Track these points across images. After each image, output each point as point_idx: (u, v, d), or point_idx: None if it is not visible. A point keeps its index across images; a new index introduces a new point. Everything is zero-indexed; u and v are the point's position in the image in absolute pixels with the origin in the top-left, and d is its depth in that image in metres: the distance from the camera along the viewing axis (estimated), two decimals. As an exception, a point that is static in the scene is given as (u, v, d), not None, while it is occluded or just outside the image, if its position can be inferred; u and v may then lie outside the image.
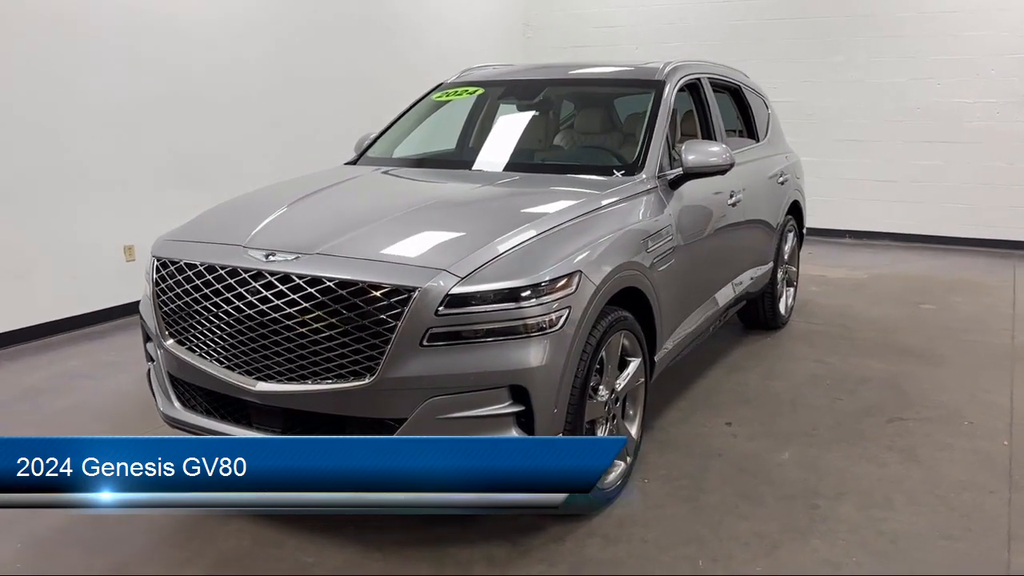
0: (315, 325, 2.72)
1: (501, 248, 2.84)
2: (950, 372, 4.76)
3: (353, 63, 7.52)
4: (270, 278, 2.80)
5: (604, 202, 3.33)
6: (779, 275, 5.50)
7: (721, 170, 3.83)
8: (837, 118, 8.97)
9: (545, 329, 2.73)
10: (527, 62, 5.84)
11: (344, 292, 2.70)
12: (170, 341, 3.08)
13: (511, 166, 3.94)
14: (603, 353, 3.09)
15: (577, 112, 4.44)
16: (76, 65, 5.28)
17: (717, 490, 3.36)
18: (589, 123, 4.32)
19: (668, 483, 3.42)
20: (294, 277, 2.77)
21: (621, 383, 3.26)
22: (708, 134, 4.54)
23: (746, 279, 4.83)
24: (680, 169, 3.79)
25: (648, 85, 4.16)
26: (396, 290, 2.66)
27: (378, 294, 2.67)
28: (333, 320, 2.70)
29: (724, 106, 5.24)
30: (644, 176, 3.67)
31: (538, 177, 3.76)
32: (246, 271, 2.85)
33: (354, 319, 2.68)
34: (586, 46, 10.06)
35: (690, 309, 4.00)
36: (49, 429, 4.00)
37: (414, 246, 2.89)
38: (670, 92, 4.11)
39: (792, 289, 5.86)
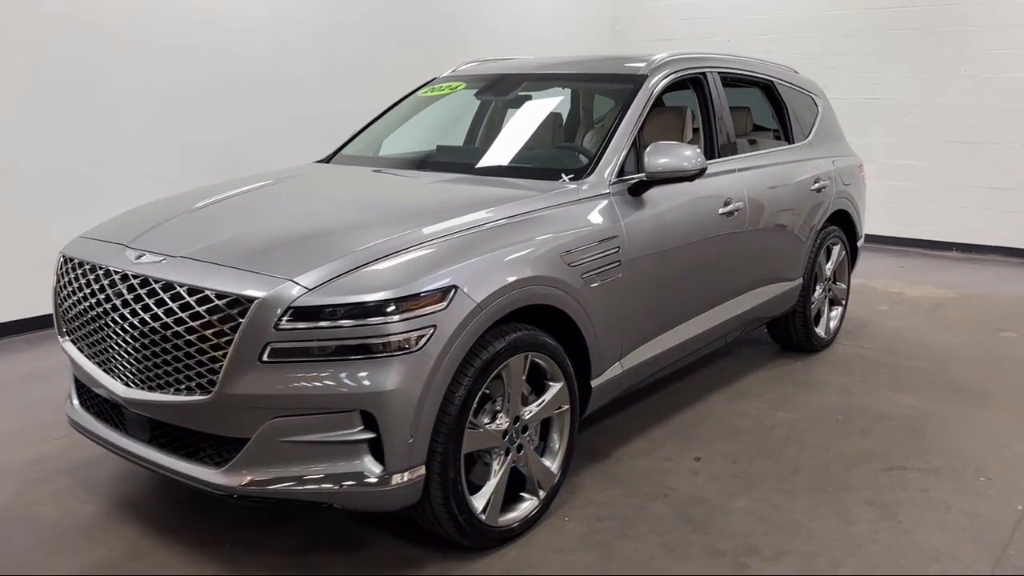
0: (164, 333, 2.58)
1: (369, 256, 2.59)
2: (993, 415, 4.09)
3: (432, 61, 7.33)
4: (132, 280, 2.69)
5: (523, 210, 3.02)
6: (816, 293, 4.94)
7: (688, 176, 3.42)
8: (944, 118, 8.06)
9: (405, 349, 2.47)
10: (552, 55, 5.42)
11: (192, 299, 2.54)
12: (66, 341, 3.04)
13: (456, 167, 3.68)
14: (503, 377, 2.80)
15: (544, 110, 4.10)
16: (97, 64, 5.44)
17: (642, 537, 2.99)
18: (555, 122, 3.98)
19: (591, 524, 3.07)
20: (151, 281, 2.64)
21: (533, 410, 2.94)
22: (710, 135, 4.10)
23: (759, 297, 4.34)
24: (643, 174, 3.41)
25: (627, 80, 3.78)
26: (237, 300, 2.47)
27: (221, 303, 2.49)
28: (179, 329, 2.55)
29: (756, 104, 4.77)
30: (592, 181, 3.32)
31: (475, 180, 3.47)
32: (116, 272, 2.76)
33: (197, 329, 2.51)
34: (675, 39, 9.56)
35: (659, 329, 3.61)
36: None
37: (275, 252, 2.69)
38: (649, 89, 3.72)
39: (839, 309, 5.25)
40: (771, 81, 4.74)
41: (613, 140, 3.47)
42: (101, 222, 3.31)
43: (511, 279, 2.73)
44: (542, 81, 4.19)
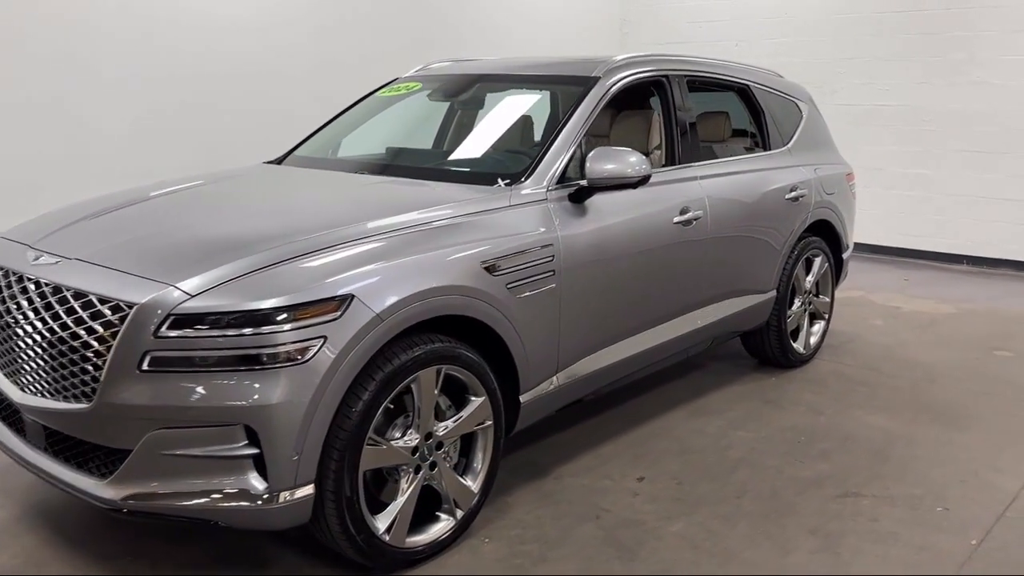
0: (51, 337, 2.49)
1: (265, 261, 2.48)
2: (967, 440, 3.87)
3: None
4: (26, 283, 2.61)
5: (444, 215, 2.88)
6: (794, 307, 4.74)
7: (631, 183, 3.26)
8: (956, 125, 7.77)
9: (292, 361, 2.35)
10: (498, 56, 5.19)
11: (77, 304, 2.45)
12: (-23, 342, 2.97)
13: (397, 170, 3.55)
14: (413, 390, 2.67)
15: (493, 112, 3.97)
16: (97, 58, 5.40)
17: (561, 561, 2.84)
18: (500, 124, 3.84)
19: (512, 546, 2.93)
20: (42, 283, 2.56)
21: (449, 426, 2.81)
22: (671, 140, 3.94)
23: (724, 310, 4.16)
24: (584, 181, 3.26)
25: (578, 83, 3.64)
26: (118, 305, 2.37)
27: (104, 308, 2.40)
28: (64, 334, 2.46)
29: (737, 109, 4.60)
30: (528, 187, 3.17)
31: (407, 183, 3.35)
32: (14, 273, 2.68)
33: (81, 335, 2.42)
34: (684, 42, 9.35)
35: (603, 341, 3.45)
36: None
37: (169, 256, 2.59)
38: (599, 92, 3.57)
39: (821, 324, 5.04)
40: (747, 85, 4.56)
41: (555, 144, 3.33)
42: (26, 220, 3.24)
43: (418, 289, 2.60)
44: (495, 83, 4.05)
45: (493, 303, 2.85)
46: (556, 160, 3.29)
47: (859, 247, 8.36)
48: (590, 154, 3.26)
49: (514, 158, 3.48)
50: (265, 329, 2.33)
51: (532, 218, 3.09)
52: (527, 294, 2.99)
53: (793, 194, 4.52)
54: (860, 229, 8.44)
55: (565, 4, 9.10)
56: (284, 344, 2.34)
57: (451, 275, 2.72)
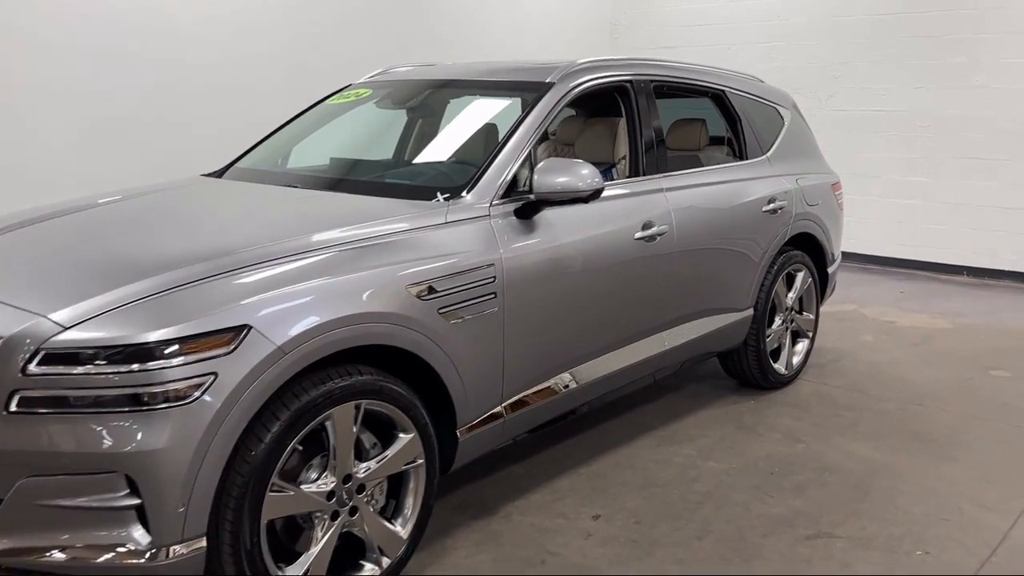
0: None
1: (153, 287, 2.23)
2: (955, 472, 3.59)
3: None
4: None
5: (367, 234, 2.63)
6: (774, 325, 4.47)
7: (582, 197, 3.01)
8: (956, 131, 7.48)
9: (177, 400, 2.10)
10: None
11: (-56, 337, 2.21)
12: None
13: (330, 183, 3.30)
14: (327, 429, 2.42)
15: (442, 120, 3.72)
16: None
17: (496, 616, 2.58)
18: (448, 134, 3.59)
19: (443, 597, 2.67)
20: (-84, 313, 2.32)
21: (371, 466, 2.55)
22: (635, 150, 3.69)
23: (695, 331, 3.89)
24: (532, 195, 3.01)
25: (531, 89, 3.39)
26: (-16, 340, 2.13)
27: (-29, 343, 2.16)
28: (-70, 370, 2.21)
29: (711, 116, 4.34)
30: (468, 202, 2.92)
31: (337, 198, 3.10)
32: None
33: (-55, 372, 2.18)
34: (675, 46, 9.09)
35: (557, 367, 3.19)
36: None
37: (50, 282, 2.35)
38: (553, 99, 3.32)
39: (805, 342, 4.76)
40: (721, 91, 4.29)
41: (501, 155, 3.08)
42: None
43: (329, 317, 2.35)
44: (446, 89, 3.80)
45: (422, 330, 2.59)
46: (502, 172, 3.04)
47: (855, 257, 8.10)
48: (538, 166, 3.01)
49: (458, 170, 3.23)
50: (149, 365, 2.09)
51: (470, 236, 2.83)
52: (463, 319, 2.73)
53: (771, 206, 4.25)
54: (856, 239, 8.21)
55: (556, 9, 8.88)
56: (169, 382, 2.09)
57: (370, 301, 2.46)
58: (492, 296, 2.84)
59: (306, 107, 4.06)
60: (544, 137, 4.76)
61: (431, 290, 2.62)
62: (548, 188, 2.97)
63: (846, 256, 8.23)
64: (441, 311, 2.66)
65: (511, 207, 3.01)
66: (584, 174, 3.01)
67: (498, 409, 2.97)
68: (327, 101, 4.04)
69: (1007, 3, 7.06)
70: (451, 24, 7.69)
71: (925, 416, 4.21)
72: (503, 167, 3.05)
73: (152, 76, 5.62)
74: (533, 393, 3.10)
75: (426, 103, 3.80)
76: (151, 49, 5.59)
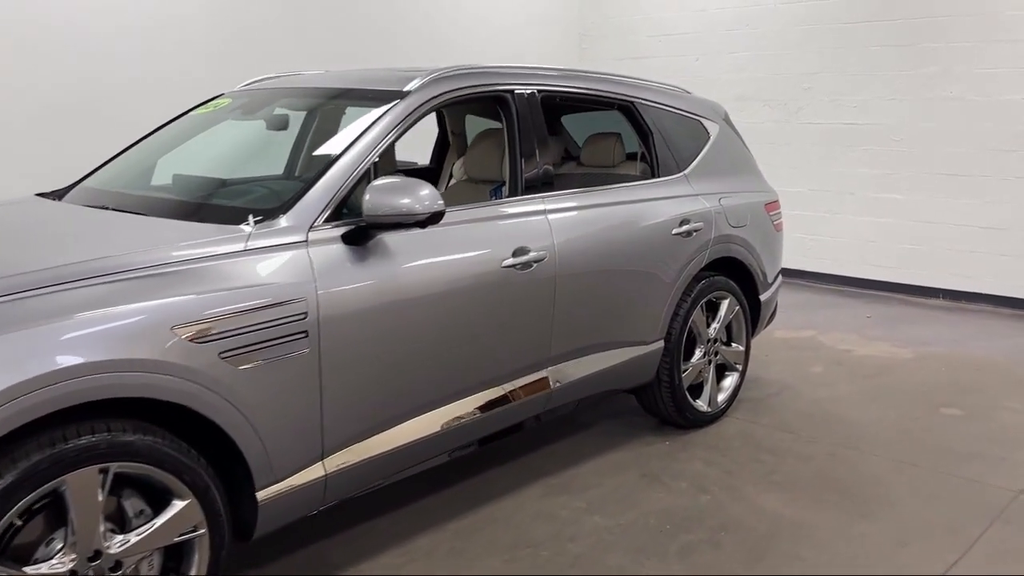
0: None
1: None
2: (871, 531, 3.17)
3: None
4: None
5: (141, 262, 2.27)
6: (694, 358, 4.07)
7: (417, 221, 2.64)
8: (931, 146, 7.04)
9: None
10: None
11: None
12: None
13: (144, 204, 2.93)
14: (67, 499, 2.05)
15: (288, 133, 3.36)
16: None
17: None
18: (289, 148, 3.23)
19: None
20: None
21: (130, 540, 2.18)
22: (514, 167, 3.31)
23: (587, 367, 3.51)
24: (362, 218, 2.64)
25: (383, 99, 3.02)
26: None
27: None
28: None
29: (618, 128, 3.98)
30: (280, 226, 2.56)
31: (139, 222, 2.72)
32: None
33: None
34: (644, 57, 8.74)
35: (397, 416, 2.81)
36: None
37: None
38: (405, 111, 2.96)
39: (734, 377, 4.35)
40: (630, 103, 3.91)
41: (328, 173, 2.71)
42: None
43: (50, 368, 1.97)
44: (299, 99, 3.45)
45: (194, 378, 2.22)
46: (329, 192, 2.67)
47: (826, 279, 7.68)
48: (370, 185, 2.64)
49: (289, 189, 2.84)
50: None
51: (274, 266, 2.46)
52: (256, 364, 2.36)
53: (684, 228, 3.86)
54: (828, 259, 7.78)
55: (523, 21, 8.56)
56: None
57: (115, 346, 2.09)
58: (301, 336, 2.46)
59: (168, 120, 3.71)
60: (463, 152, 4.42)
61: (207, 331, 2.25)
62: (380, 211, 2.61)
63: (816, 278, 7.84)
64: (224, 355, 2.28)
65: (338, 232, 2.64)
66: (423, 195, 2.64)
67: (316, 467, 2.59)
68: (192, 112, 3.69)
69: (981, 9, 6.63)
70: (415, 37, 7.40)
71: (853, 462, 3.79)
72: (331, 186, 2.69)
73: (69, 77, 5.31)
74: (367, 446, 2.72)
75: (278, 115, 3.45)
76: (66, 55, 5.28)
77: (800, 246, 7.82)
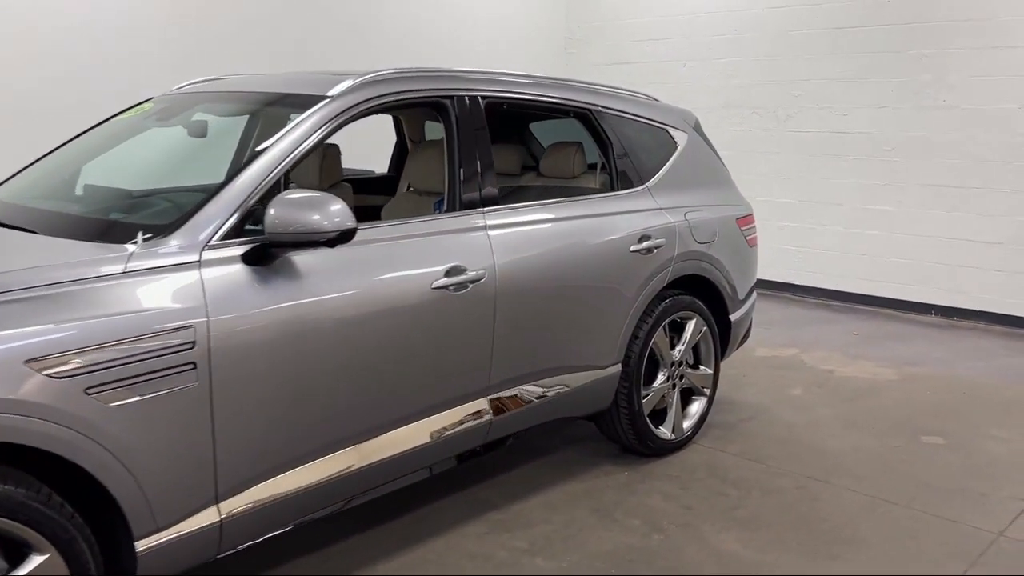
0: None
1: None
2: (833, 579, 2.91)
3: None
4: None
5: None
6: (656, 382, 3.81)
7: (324, 240, 2.39)
8: (923, 156, 6.78)
9: None
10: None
11: None
12: None
13: (39, 219, 2.68)
14: None
15: (206, 141, 3.12)
16: None
17: None
18: (203, 158, 2.99)
19: None
20: None
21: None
22: (452, 179, 3.07)
23: (531, 394, 3.25)
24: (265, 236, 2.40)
25: (305, 104, 2.78)
26: None
27: None
28: None
29: (580, 138, 3.74)
30: (169, 245, 2.31)
31: (19, 239, 2.49)
32: None
33: None
34: (630, 62, 8.50)
35: (307, 453, 2.56)
36: None
37: None
38: (326, 117, 2.72)
39: (701, 402, 4.09)
40: (587, 110, 3.66)
41: (229, 187, 2.47)
42: None
43: None
44: (222, 104, 3.21)
45: (51, 417, 1.97)
46: (230, 207, 2.43)
47: (815, 292, 7.43)
48: (274, 199, 2.40)
49: (190, 202, 2.59)
50: None
51: (158, 290, 2.22)
52: (134, 400, 2.11)
53: (644, 244, 3.60)
54: (817, 273, 7.50)
55: (510, 24, 8.35)
56: None
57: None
58: (188, 368, 2.22)
59: (94, 124, 3.48)
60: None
61: (69, 365, 2.00)
62: (283, 228, 2.36)
63: (805, 291, 7.56)
64: (92, 391, 2.04)
65: (238, 251, 2.40)
66: (332, 210, 2.40)
67: (209, 512, 2.34)
68: (118, 117, 3.46)
69: (974, 15, 6.37)
70: (401, 42, 7.20)
71: (823, 498, 3.53)
72: (232, 200, 2.45)
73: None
74: (270, 487, 2.47)
75: (199, 120, 3.21)
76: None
77: (788, 259, 7.57)
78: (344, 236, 2.42)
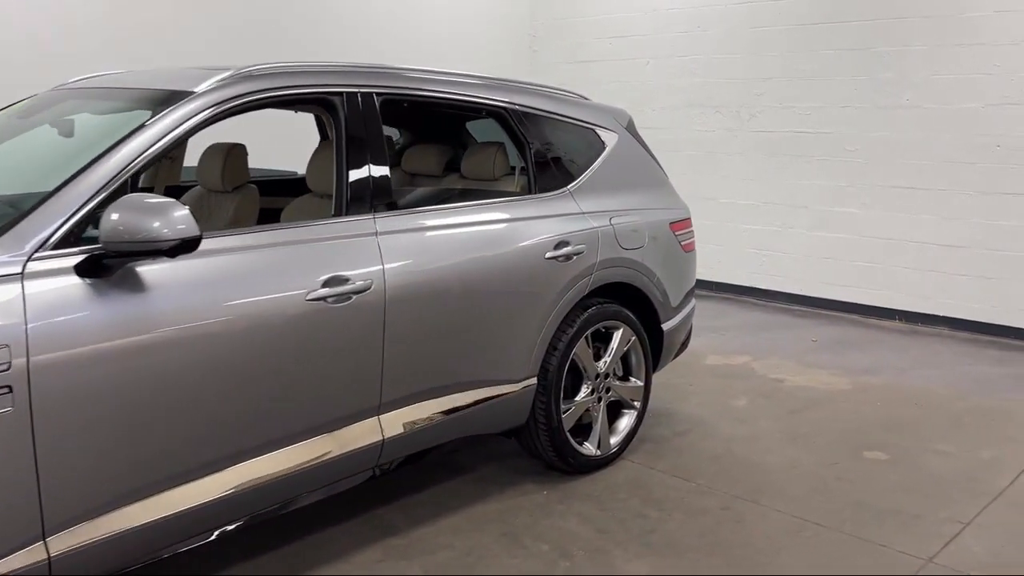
0: None
1: None
2: (742, 613, 2.71)
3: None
4: None
5: None
6: (579, 396, 3.61)
7: (163, 249, 2.18)
8: (884, 157, 6.58)
9: None
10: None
11: None
12: None
13: None
14: None
15: (70, 140, 2.90)
16: None
17: None
18: (55, 159, 2.76)
19: None
20: None
21: None
22: (339, 183, 2.85)
23: (427, 412, 3.04)
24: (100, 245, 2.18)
25: (166, 101, 2.57)
26: None
27: None
28: None
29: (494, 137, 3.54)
30: (-8, 257, 2.10)
31: None
32: None
33: None
34: (593, 60, 8.30)
35: (158, 482, 2.35)
36: None
37: None
38: (185, 115, 2.52)
39: (630, 416, 3.88)
40: (501, 109, 3.45)
41: (65, 189, 2.26)
42: None
43: None
44: (84, 101, 3.00)
45: None
46: (63, 213, 2.22)
47: (778, 296, 7.23)
48: (111, 205, 2.18)
49: (23, 205, 2.37)
50: None
51: (-13, 304, 2.00)
52: (-69, 428, 1.90)
53: (561, 251, 3.40)
54: (781, 277, 7.29)
55: (473, 21, 8.14)
56: None
57: None
58: (5, 392, 2.00)
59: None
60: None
61: None
62: (118, 236, 2.15)
63: (768, 296, 7.36)
64: None
65: (70, 262, 2.18)
66: (173, 217, 2.18)
67: (34, 550, 2.12)
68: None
69: (936, 11, 6.18)
70: (359, 39, 7.00)
71: (748, 520, 3.32)
72: (67, 205, 2.23)
73: None
74: (112, 521, 2.26)
75: (65, 119, 2.99)
76: None
77: (752, 262, 7.37)
78: (185, 246, 2.20)
